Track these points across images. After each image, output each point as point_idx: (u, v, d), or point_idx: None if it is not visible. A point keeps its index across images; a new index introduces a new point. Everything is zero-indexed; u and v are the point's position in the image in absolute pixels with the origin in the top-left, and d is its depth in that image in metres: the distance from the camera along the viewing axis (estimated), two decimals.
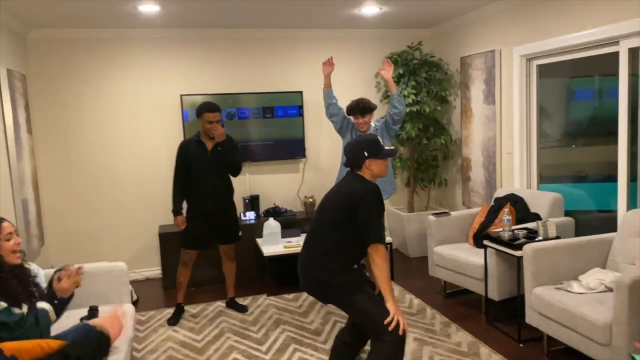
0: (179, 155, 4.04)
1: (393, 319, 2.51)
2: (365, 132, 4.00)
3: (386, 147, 2.75)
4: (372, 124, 4.10)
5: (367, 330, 2.67)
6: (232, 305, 4.32)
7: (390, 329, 2.49)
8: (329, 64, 4.18)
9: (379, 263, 2.58)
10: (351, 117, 4.06)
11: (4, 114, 3.99)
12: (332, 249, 2.63)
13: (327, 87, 4.17)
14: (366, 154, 2.66)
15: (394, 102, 4.04)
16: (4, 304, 2.23)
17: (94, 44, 4.98)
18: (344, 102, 4.16)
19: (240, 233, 4.27)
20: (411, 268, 5.16)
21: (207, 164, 3.97)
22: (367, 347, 2.67)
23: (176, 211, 4.03)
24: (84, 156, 5.07)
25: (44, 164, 4.94)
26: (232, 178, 4.14)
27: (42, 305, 2.44)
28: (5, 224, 2.41)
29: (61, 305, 2.54)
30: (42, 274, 2.97)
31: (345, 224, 2.61)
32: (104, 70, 5.05)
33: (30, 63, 4.84)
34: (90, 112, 5.06)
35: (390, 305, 2.56)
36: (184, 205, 4.08)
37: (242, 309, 4.26)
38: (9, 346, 2.04)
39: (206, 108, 3.91)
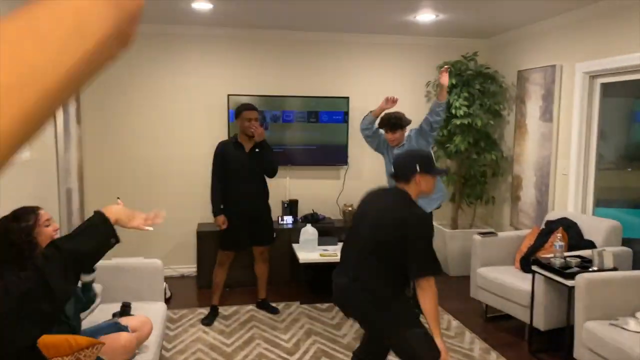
0: (216, 156, 4.03)
1: None
2: (396, 147, 3.92)
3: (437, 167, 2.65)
4: (405, 133, 3.98)
5: None
6: (264, 306, 4.28)
7: None
8: (391, 102, 3.98)
9: (430, 295, 2.44)
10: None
11: None
12: (381, 274, 2.46)
13: (374, 116, 4.02)
14: (418, 168, 2.51)
15: (439, 109, 3.84)
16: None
17: (146, 37, 5.02)
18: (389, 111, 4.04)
19: (275, 235, 4.26)
20: (451, 287, 4.95)
21: (245, 165, 3.97)
22: None
23: (216, 212, 4.01)
24: (129, 149, 5.12)
25: (90, 155, 5.01)
26: (268, 181, 4.13)
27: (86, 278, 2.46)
28: (41, 211, 2.42)
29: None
30: None
31: (394, 251, 2.44)
32: (155, 64, 5.09)
33: None
34: (139, 105, 5.11)
35: (439, 343, 2.40)
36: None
37: (274, 311, 4.22)
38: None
39: (244, 107, 4.01)
